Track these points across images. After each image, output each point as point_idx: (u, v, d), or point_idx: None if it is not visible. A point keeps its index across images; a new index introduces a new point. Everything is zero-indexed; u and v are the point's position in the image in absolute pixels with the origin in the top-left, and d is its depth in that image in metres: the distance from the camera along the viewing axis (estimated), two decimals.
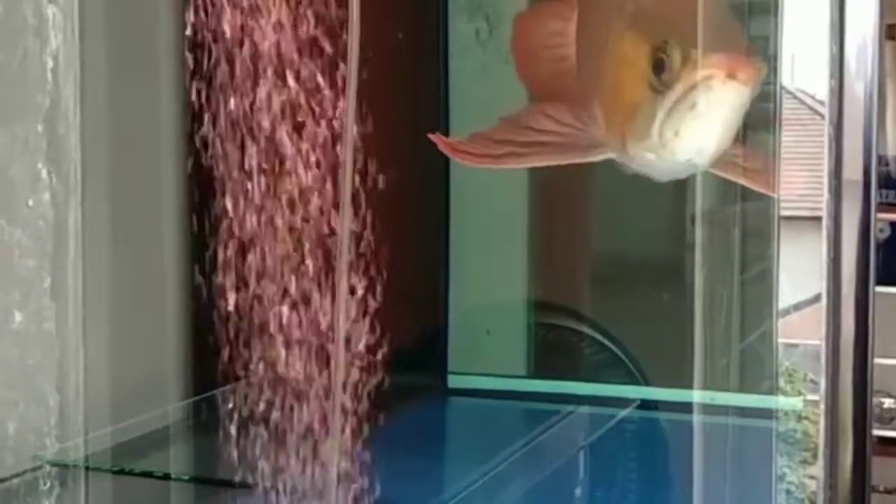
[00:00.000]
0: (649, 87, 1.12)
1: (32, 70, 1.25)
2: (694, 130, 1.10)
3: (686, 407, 1.28)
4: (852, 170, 0.84)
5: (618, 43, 1.18)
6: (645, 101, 1.13)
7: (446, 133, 2.05)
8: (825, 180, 0.84)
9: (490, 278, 2.13)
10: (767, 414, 1.85)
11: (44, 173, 1.26)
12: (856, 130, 0.84)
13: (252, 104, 1.34)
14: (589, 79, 1.27)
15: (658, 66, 1.11)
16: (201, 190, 1.45)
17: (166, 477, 1.45)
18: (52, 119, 1.26)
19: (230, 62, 1.30)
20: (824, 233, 0.84)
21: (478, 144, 1.34)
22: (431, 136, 1.33)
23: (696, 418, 1.25)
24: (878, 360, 0.89)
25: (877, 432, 0.92)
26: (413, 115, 1.98)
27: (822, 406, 0.85)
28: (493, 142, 1.33)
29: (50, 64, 1.25)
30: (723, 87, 1.06)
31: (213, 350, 1.37)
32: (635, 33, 1.16)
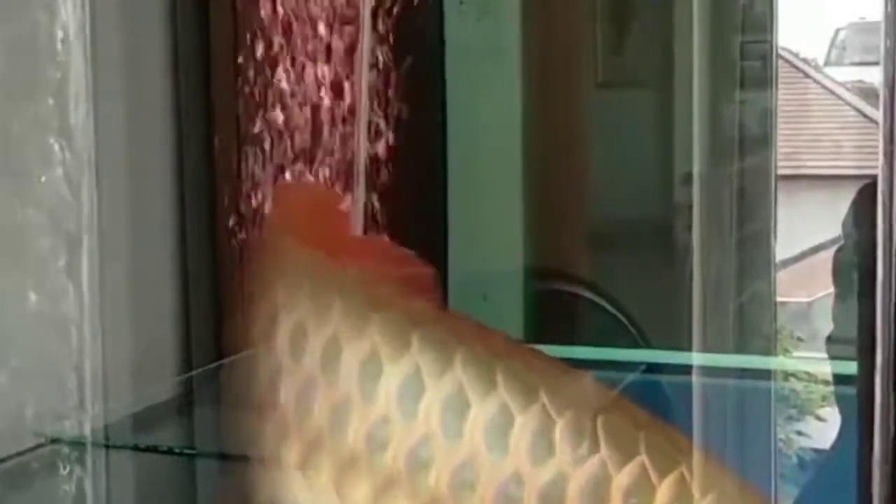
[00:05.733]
0: None
1: (42, 42, 1.21)
2: None
3: (685, 369, 1.28)
4: None
5: None
6: None
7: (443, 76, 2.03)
8: (880, 145, 0.82)
9: (486, 243, 2.12)
10: (765, 375, 1.85)
11: (56, 148, 1.22)
12: None
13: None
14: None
15: None
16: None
17: (180, 452, 1.43)
18: (63, 92, 1.22)
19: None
20: (880, 199, 0.82)
21: None
22: None
23: (695, 380, 1.25)
24: None
25: None
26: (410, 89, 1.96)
27: (879, 378, 0.83)
28: None
29: (60, 35, 1.20)
30: None
31: (231, 322, 1.33)
32: None
